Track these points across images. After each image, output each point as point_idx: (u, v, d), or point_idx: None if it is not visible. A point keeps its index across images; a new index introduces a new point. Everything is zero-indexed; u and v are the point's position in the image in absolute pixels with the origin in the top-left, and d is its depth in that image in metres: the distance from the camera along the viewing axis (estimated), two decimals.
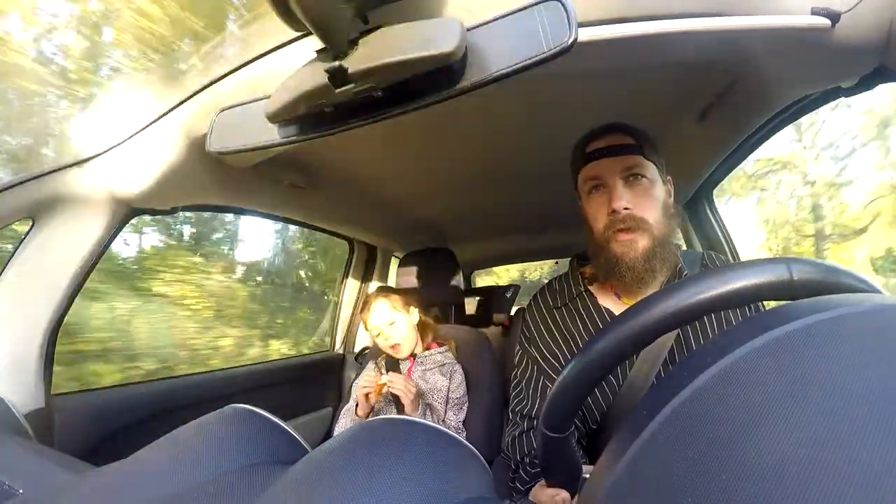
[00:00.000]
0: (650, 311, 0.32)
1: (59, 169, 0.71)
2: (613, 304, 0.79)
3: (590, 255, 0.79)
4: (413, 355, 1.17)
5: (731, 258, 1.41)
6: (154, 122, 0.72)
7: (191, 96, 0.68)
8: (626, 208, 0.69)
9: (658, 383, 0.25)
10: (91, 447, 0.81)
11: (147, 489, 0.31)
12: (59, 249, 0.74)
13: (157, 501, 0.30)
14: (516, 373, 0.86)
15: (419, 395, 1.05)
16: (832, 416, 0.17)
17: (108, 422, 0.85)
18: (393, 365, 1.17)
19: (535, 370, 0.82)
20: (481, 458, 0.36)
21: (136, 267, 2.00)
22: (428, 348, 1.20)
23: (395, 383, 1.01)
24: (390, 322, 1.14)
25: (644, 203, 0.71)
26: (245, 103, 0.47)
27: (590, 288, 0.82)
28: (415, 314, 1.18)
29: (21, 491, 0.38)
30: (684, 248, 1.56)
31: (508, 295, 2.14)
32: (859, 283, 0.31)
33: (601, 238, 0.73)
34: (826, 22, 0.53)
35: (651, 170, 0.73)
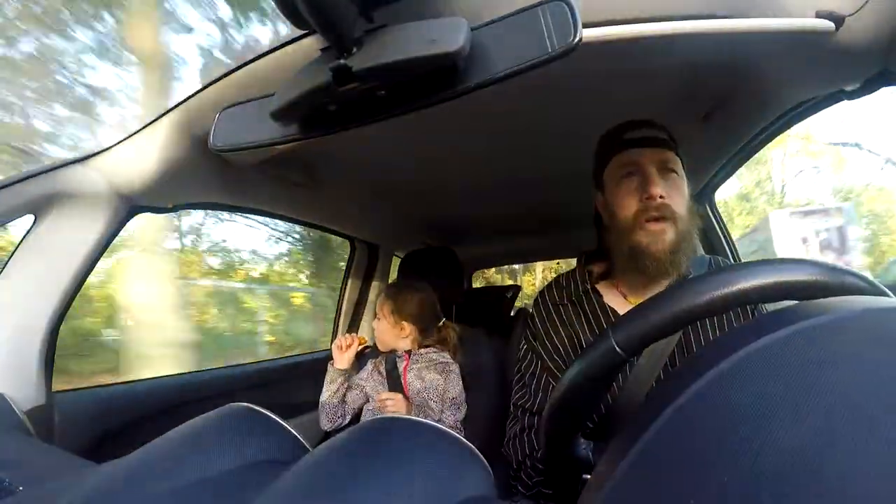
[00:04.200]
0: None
1: (62, 165, 0.71)
2: (619, 304, 0.78)
3: (608, 245, 0.78)
4: (409, 352, 1.17)
5: (732, 260, 1.41)
6: (157, 119, 0.72)
7: (194, 94, 0.68)
8: (661, 196, 0.69)
9: (661, 384, 0.26)
10: (91, 444, 0.81)
11: (147, 487, 0.31)
12: (60, 246, 0.74)
13: (157, 499, 0.30)
14: (520, 367, 0.86)
15: (408, 404, 1.09)
16: (835, 418, 0.17)
17: (108, 419, 0.85)
18: (390, 363, 1.18)
19: (539, 365, 0.82)
20: (482, 457, 0.36)
21: None
22: (425, 346, 1.20)
23: (388, 405, 1.09)
24: (377, 318, 1.20)
25: (676, 196, 0.72)
26: (248, 101, 0.47)
27: (596, 286, 0.81)
28: (405, 329, 1.17)
29: (21, 488, 0.38)
30: None
31: (509, 295, 2.14)
32: (866, 284, 0.31)
33: (627, 225, 0.72)
34: (830, 25, 0.53)
35: (680, 168, 0.75)
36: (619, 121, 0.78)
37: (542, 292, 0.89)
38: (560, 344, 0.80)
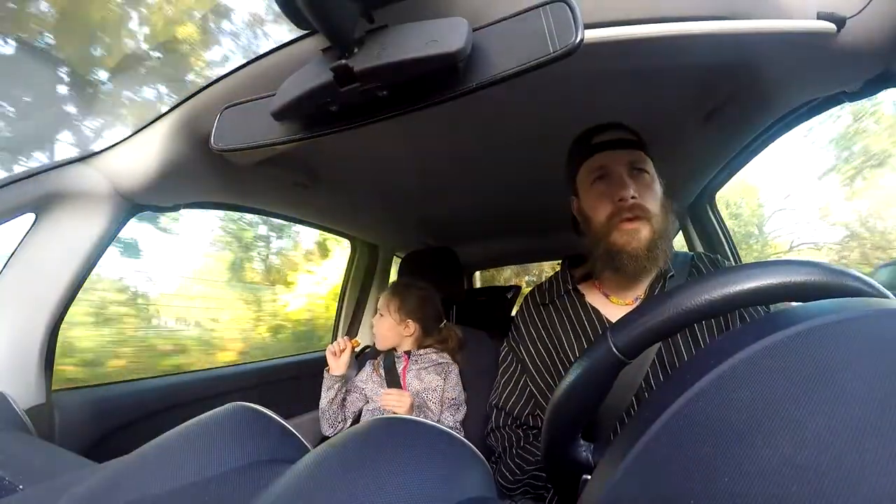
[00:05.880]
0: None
1: (63, 164, 0.71)
2: (602, 304, 0.79)
3: (586, 249, 0.80)
4: (408, 353, 1.17)
5: (732, 260, 1.41)
6: (158, 118, 0.72)
7: (195, 93, 0.68)
8: (633, 197, 0.70)
9: (661, 385, 0.26)
10: (92, 443, 0.81)
11: (148, 486, 0.31)
12: (61, 245, 0.74)
13: (158, 499, 0.30)
14: (501, 368, 0.88)
15: (412, 402, 1.07)
16: (835, 418, 0.17)
17: (109, 418, 0.85)
18: (388, 363, 1.17)
19: (519, 367, 0.84)
20: (482, 457, 0.36)
21: None
22: (424, 347, 1.20)
23: (390, 401, 1.06)
24: (381, 315, 1.19)
25: (647, 195, 0.73)
26: (249, 101, 0.47)
27: (578, 287, 0.83)
28: (409, 327, 1.17)
29: (21, 487, 0.38)
30: (684, 248, 1.56)
31: (509, 296, 2.14)
32: (867, 286, 0.31)
33: (602, 228, 0.73)
34: (832, 27, 0.52)
35: (651, 166, 0.76)
36: (622, 121, 0.78)
37: (526, 296, 0.91)
38: (541, 345, 0.81)
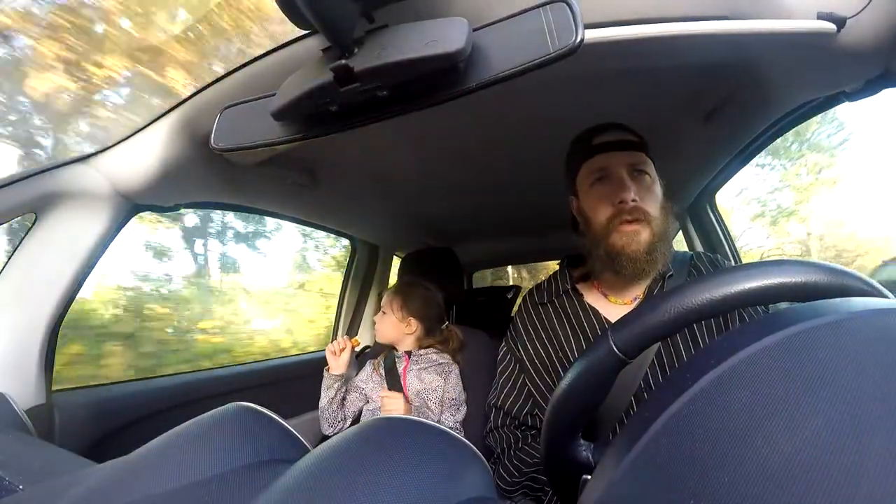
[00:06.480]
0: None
1: (63, 164, 0.71)
2: (600, 304, 0.79)
3: (585, 249, 0.80)
4: (409, 353, 1.17)
5: (732, 260, 1.41)
6: (158, 118, 0.72)
7: (196, 93, 0.68)
8: (633, 200, 0.70)
9: (661, 385, 0.26)
10: (92, 444, 0.81)
11: (148, 486, 0.31)
12: (61, 245, 0.74)
13: (159, 499, 0.30)
14: (499, 368, 0.88)
15: (407, 407, 1.07)
16: (835, 418, 0.17)
17: (109, 418, 0.85)
18: (389, 363, 1.17)
19: (517, 367, 0.84)
20: (482, 457, 0.36)
21: None
22: (425, 347, 1.20)
23: (387, 404, 1.06)
24: (383, 312, 1.20)
25: (647, 198, 0.73)
26: (249, 101, 0.47)
27: (577, 286, 0.82)
28: (411, 325, 1.18)
29: (21, 487, 0.38)
30: (684, 248, 1.56)
31: (509, 296, 2.14)
32: (867, 286, 0.31)
33: (602, 230, 0.73)
34: (832, 27, 0.52)
35: (652, 168, 0.75)
36: (621, 121, 0.78)
37: (525, 295, 0.91)
38: (539, 344, 0.81)
